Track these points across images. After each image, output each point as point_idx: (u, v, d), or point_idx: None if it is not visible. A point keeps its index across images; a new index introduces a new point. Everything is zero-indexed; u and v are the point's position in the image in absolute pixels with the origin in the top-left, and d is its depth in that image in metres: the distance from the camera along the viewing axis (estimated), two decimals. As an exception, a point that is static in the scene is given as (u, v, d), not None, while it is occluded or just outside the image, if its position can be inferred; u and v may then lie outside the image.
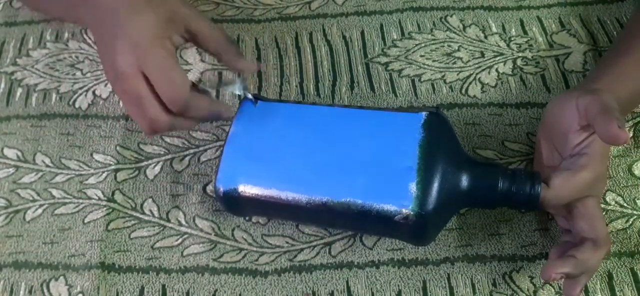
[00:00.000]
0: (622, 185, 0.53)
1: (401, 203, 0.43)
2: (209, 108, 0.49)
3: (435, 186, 0.43)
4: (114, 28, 0.47)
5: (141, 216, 0.53)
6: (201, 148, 0.57)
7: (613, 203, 0.52)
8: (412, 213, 0.43)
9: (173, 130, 0.50)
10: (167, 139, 0.57)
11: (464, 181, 0.45)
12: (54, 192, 0.55)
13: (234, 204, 0.49)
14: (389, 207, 0.44)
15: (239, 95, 0.48)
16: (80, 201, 0.54)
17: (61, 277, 0.51)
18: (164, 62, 0.46)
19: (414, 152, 0.44)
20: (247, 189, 0.47)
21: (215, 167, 0.49)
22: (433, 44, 0.63)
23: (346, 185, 0.45)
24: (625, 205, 0.52)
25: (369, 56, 0.62)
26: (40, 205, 0.54)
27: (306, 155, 0.47)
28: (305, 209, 0.46)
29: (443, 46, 0.63)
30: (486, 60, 0.61)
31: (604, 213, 0.52)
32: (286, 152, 0.47)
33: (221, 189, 0.47)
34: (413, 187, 0.43)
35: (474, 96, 0.59)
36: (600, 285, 0.49)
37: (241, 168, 0.47)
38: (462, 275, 0.50)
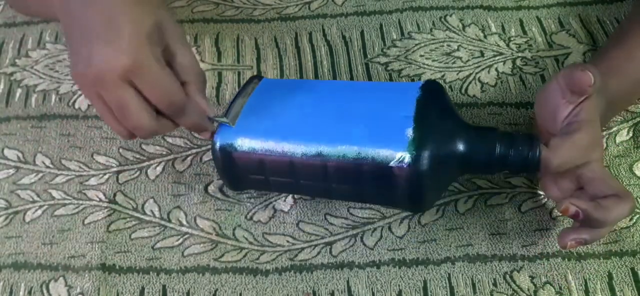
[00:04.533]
0: (623, 184, 0.53)
1: (397, 147, 0.43)
2: (201, 118, 0.46)
3: (432, 133, 0.44)
4: (95, 16, 0.41)
5: (142, 216, 0.53)
6: (204, 148, 0.57)
7: (613, 202, 0.52)
8: (408, 155, 0.43)
9: (155, 135, 0.46)
10: (169, 139, 0.57)
11: (461, 141, 0.45)
12: (54, 193, 0.55)
13: (230, 163, 0.48)
14: (385, 152, 0.44)
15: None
16: (80, 202, 0.54)
17: (61, 278, 0.50)
18: (159, 69, 0.42)
19: (412, 105, 0.45)
20: (245, 143, 0.47)
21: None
22: (433, 43, 0.63)
23: (342, 132, 0.46)
24: (625, 204, 0.52)
25: (369, 56, 0.62)
26: (40, 206, 0.54)
27: (305, 110, 0.48)
28: (301, 163, 0.46)
29: (442, 46, 0.63)
30: (486, 59, 0.61)
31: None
32: (286, 110, 0.49)
33: (217, 143, 0.47)
34: (410, 132, 0.44)
35: (474, 95, 0.59)
36: (600, 285, 0.49)
37: (240, 124, 0.48)
38: (462, 274, 0.50)
